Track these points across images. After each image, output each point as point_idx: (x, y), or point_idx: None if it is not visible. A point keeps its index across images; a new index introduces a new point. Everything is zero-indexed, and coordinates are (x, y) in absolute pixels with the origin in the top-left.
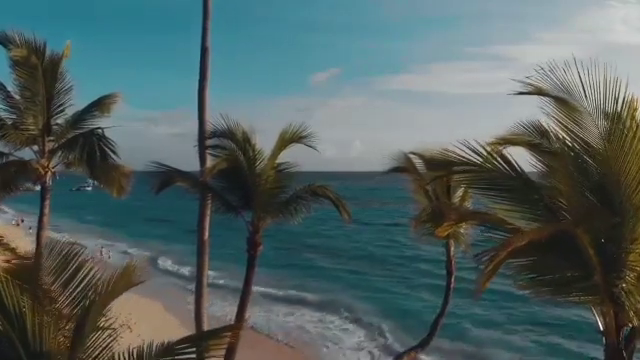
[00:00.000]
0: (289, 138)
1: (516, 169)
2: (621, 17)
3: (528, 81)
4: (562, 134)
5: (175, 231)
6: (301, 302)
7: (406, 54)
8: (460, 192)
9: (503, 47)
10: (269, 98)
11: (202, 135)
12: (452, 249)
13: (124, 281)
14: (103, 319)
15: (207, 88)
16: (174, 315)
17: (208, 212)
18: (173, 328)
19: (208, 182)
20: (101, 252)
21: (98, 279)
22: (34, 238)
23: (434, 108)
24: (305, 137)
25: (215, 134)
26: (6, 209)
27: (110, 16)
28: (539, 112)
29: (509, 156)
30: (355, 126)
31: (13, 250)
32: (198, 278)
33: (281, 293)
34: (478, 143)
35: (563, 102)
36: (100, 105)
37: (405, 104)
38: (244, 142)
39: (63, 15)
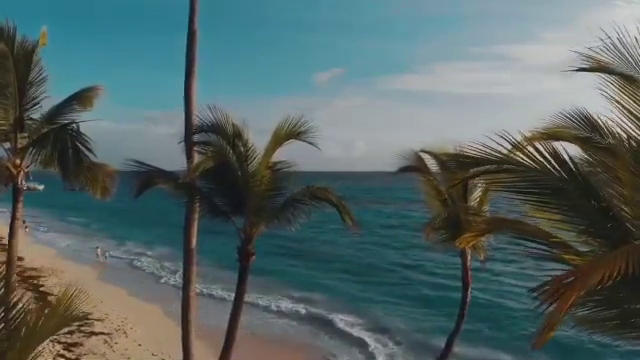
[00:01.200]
0: (286, 134)
1: (571, 169)
2: (626, 17)
3: (590, 53)
4: (627, 124)
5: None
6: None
7: (409, 54)
8: (478, 194)
9: (507, 47)
10: (270, 98)
11: (189, 131)
12: (469, 259)
13: (57, 319)
14: None
15: (195, 77)
16: (173, 319)
17: (195, 217)
18: (171, 334)
19: (194, 183)
20: (97, 253)
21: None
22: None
23: (438, 108)
24: (304, 133)
25: (202, 129)
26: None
27: (111, 16)
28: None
29: (562, 153)
30: (358, 126)
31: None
32: (184, 292)
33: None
34: (517, 137)
35: (632, 81)
36: (80, 98)
37: (408, 104)
38: (234, 137)
39: (63, 15)
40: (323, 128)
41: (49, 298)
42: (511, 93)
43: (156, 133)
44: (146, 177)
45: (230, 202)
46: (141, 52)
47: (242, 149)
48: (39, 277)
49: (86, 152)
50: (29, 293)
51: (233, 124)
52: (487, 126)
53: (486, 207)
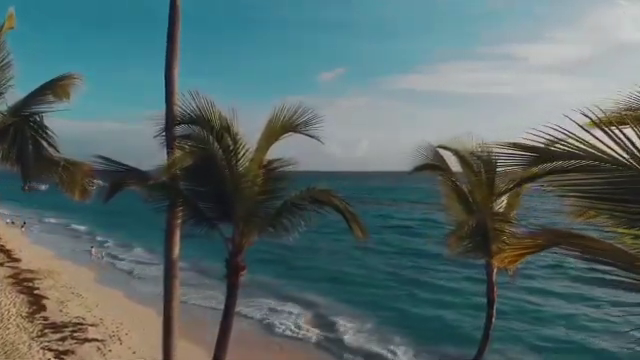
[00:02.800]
0: (282, 126)
1: None
2: (630, 16)
3: None
4: None
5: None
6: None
7: (413, 54)
8: (506, 197)
9: (514, 46)
10: (272, 98)
11: (170, 122)
12: (494, 272)
13: None
14: None
15: (177, 60)
16: None
17: (178, 222)
18: None
19: (174, 184)
20: (91, 252)
21: None
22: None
23: (442, 108)
24: (304, 124)
25: (183, 120)
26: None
27: (113, 15)
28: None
29: None
30: (360, 126)
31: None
32: (166, 312)
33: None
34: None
35: None
36: (55, 87)
37: (412, 104)
38: (221, 130)
39: (63, 15)
40: (327, 128)
41: (43, 302)
42: (516, 93)
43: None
44: (116, 178)
45: (216, 207)
46: (143, 52)
47: (230, 144)
48: (34, 279)
49: (48, 148)
50: (22, 296)
51: (220, 114)
52: (491, 126)
53: (514, 213)
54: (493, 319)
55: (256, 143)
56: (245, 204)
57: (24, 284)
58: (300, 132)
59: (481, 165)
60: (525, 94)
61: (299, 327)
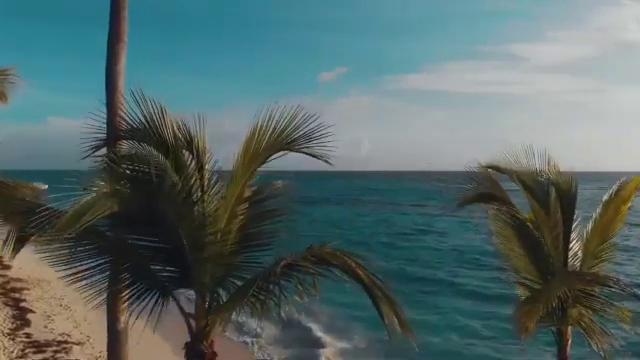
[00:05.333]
0: (271, 144)
1: None
2: (634, 15)
3: None
4: None
5: None
6: None
7: (415, 53)
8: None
9: (517, 45)
10: (273, 98)
11: (111, 135)
12: (569, 344)
13: None
14: None
15: (124, 50)
16: (165, 341)
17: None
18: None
19: (99, 233)
20: None
21: None
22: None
23: (445, 107)
24: (305, 139)
25: (126, 134)
26: None
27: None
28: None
29: None
30: (363, 125)
31: None
32: None
33: None
34: None
35: None
36: None
37: (414, 104)
38: (176, 148)
39: (65, 14)
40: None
41: (27, 316)
42: (521, 92)
43: None
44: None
45: (171, 267)
46: (144, 52)
47: (192, 169)
48: (22, 289)
49: None
50: (7, 309)
51: (178, 125)
52: (498, 126)
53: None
54: None
55: (232, 169)
56: (213, 267)
57: (11, 295)
58: (298, 150)
59: (553, 195)
60: (529, 94)
61: None
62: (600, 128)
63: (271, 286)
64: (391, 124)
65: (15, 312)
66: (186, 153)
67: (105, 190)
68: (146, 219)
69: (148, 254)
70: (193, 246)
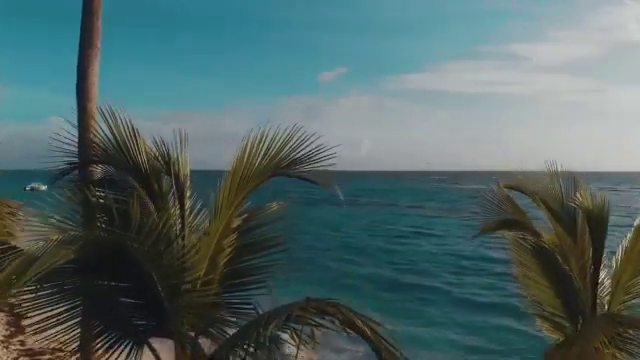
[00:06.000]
0: (263, 170)
1: None
2: (635, 15)
3: None
4: None
5: None
6: None
7: (415, 53)
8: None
9: (518, 45)
10: (274, 98)
11: (81, 160)
12: None
13: None
14: None
15: (97, 57)
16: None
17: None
18: None
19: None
20: None
21: None
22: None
23: (446, 107)
24: (302, 162)
25: (98, 157)
26: None
27: (117, 14)
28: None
29: None
30: (364, 125)
31: None
32: None
33: None
34: None
35: None
36: None
37: (415, 103)
38: (154, 175)
39: (66, 14)
40: (330, 128)
41: (22, 322)
42: (521, 92)
43: (165, 132)
44: None
45: (145, 315)
46: (144, 51)
47: (172, 199)
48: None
49: None
50: (1, 315)
51: (157, 147)
52: (498, 126)
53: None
54: None
55: (215, 202)
56: (193, 316)
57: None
58: (296, 175)
59: (580, 218)
60: (530, 93)
61: None
62: (600, 128)
63: (262, 339)
64: (391, 124)
65: (10, 318)
66: (167, 178)
67: (57, 236)
68: (115, 259)
69: (118, 300)
70: (170, 293)
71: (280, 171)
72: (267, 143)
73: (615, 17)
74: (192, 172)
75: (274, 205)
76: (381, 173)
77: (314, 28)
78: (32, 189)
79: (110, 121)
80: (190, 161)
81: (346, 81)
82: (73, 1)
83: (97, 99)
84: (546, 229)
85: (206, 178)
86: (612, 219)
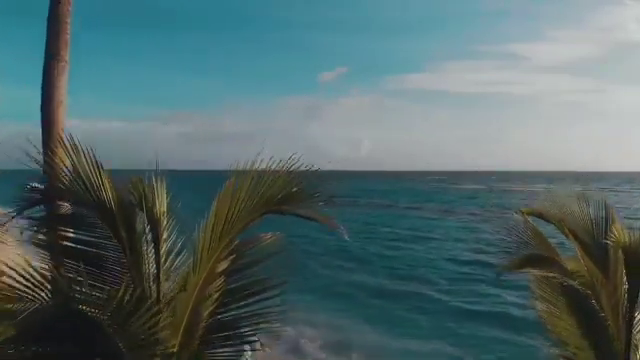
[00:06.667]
0: (256, 205)
1: None
2: (635, 15)
3: None
4: None
5: None
6: None
7: (415, 53)
8: None
9: (518, 45)
10: (274, 98)
11: (49, 187)
12: None
13: None
14: None
15: (66, 61)
16: None
17: None
18: None
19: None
20: None
21: None
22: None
23: (447, 107)
24: (299, 198)
25: (60, 192)
26: None
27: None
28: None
29: None
30: (364, 125)
31: None
32: None
33: None
34: None
35: None
36: None
37: (415, 103)
38: (125, 214)
39: (77, 15)
40: (330, 128)
41: None
42: (521, 92)
43: (164, 132)
44: None
45: None
46: (146, 51)
47: (146, 244)
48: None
49: None
50: None
51: (128, 181)
52: (498, 126)
53: None
54: None
55: (194, 252)
56: None
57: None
58: (291, 213)
59: (613, 251)
60: (529, 93)
61: None
62: (600, 128)
63: None
64: (391, 124)
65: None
66: (142, 215)
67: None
68: (76, 325)
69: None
70: (148, 341)
71: (273, 209)
72: (256, 177)
73: (615, 17)
74: (171, 207)
75: (268, 236)
76: (381, 173)
77: (314, 28)
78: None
79: (71, 152)
80: (190, 161)
81: (346, 81)
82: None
83: (64, 120)
84: (572, 257)
85: (206, 178)
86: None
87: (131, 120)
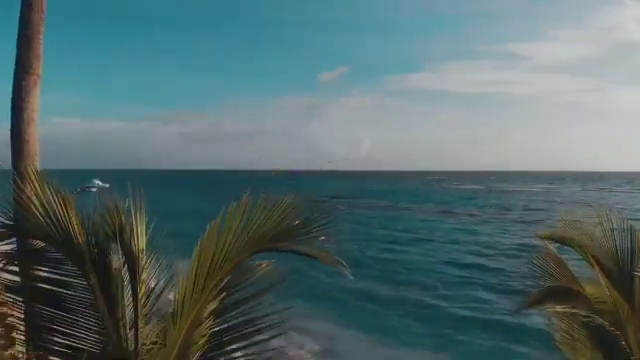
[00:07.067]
0: (247, 242)
1: None
2: (635, 15)
3: None
4: None
5: None
6: None
7: (416, 53)
8: None
9: (517, 45)
10: (274, 98)
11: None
12: None
13: None
14: None
15: (38, 75)
16: None
17: None
18: None
19: None
20: None
21: None
22: None
23: (447, 106)
24: (294, 232)
25: (28, 228)
26: None
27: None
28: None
29: None
30: (365, 125)
31: None
32: None
33: None
34: None
35: None
36: None
37: (416, 103)
38: (89, 254)
39: (78, 15)
40: (330, 128)
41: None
42: (521, 92)
43: (164, 132)
44: None
45: None
46: (146, 51)
47: (122, 285)
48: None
49: None
50: None
51: (105, 213)
52: (498, 126)
53: None
54: None
55: (174, 300)
56: None
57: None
58: (285, 250)
59: (638, 281)
60: (529, 93)
61: None
62: (600, 128)
63: None
64: (391, 123)
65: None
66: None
67: None
68: None
69: None
70: None
71: (266, 246)
72: (247, 214)
73: (615, 17)
74: (151, 242)
75: (263, 265)
76: (381, 173)
77: (307, 27)
78: (83, 190)
79: (36, 184)
80: (190, 161)
81: (347, 80)
82: (71, 2)
83: (35, 139)
84: (591, 281)
85: (206, 178)
86: None
87: (131, 120)
